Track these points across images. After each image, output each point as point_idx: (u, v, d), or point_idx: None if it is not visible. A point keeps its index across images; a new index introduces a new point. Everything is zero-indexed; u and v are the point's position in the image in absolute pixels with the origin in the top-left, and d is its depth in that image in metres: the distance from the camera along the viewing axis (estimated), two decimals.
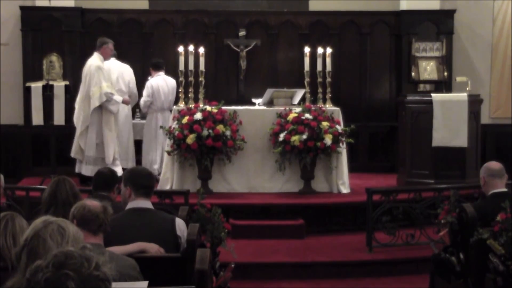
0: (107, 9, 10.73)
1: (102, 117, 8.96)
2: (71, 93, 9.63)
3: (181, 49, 8.84)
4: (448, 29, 10.87)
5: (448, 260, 5.16)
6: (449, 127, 8.53)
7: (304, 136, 8.21)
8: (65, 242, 2.53)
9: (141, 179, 4.48)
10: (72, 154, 9.14)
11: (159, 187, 8.33)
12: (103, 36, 9.37)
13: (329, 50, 8.99)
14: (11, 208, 6.42)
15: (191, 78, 8.71)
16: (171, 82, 9.59)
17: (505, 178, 5.34)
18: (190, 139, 8.15)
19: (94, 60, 9.03)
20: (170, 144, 8.41)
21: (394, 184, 9.07)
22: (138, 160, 9.56)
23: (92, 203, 3.60)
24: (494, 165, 5.36)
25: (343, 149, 8.56)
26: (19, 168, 10.29)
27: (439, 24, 10.85)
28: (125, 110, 9.53)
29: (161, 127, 9.04)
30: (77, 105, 9.10)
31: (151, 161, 9.37)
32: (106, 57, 9.15)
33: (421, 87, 10.80)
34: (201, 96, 8.72)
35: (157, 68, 9.64)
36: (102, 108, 8.92)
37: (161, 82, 9.51)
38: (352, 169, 9.11)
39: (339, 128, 8.46)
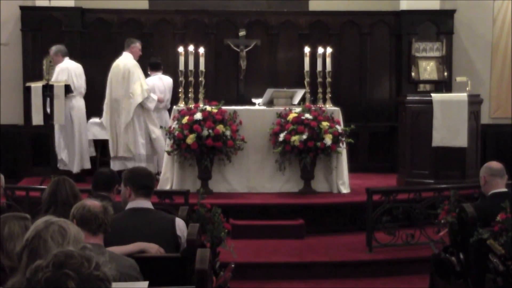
0: (107, 9, 10.73)
1: (143, 114, 9.05)
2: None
3: (181, 49, 8.84)
4: (448, 29, 10.87)
5: (448, 260, 5.16)
6: (449, 127, 8.53)
7: (304, 136, 8.21)
8: (66, 243, 2.53)
9: (141, 179, 4.48)
10: (120, 153, 9.15)
11: (159, 187, 8.33)
12: (131, 37, 9.52)
13: (329, 50, 8.99)
14: (11, 208, 6.42)
15: (191, 78, 8.71)
16: (167, 80, 9.62)
17: (505, 178, 5.33)
18: (190, 139, 8.15)
19: (127, 59, 9.12)
20: (170, 144, 8.40)
21: (394, 184, 9.06)
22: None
23: (92, 203, 3.60)
24: (495, 164, 5.36)
25: (343, 149, 8.56)
26: (19, 168, 10.29)
27: (439, 24, 10.85)
28: (81, 110, 9.45)
29: (160, 127, 9.04)
30: (107, 106, 9.19)
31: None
32: (135, 56, 9.20)
33: (421, 87, 10.80)
34: (201, 96, 8.72)
35: (155, 68, 9.65)
36: (141, 105, 9.04)
37: (157, 81, 9.52)
38: (352, 169, 9.10)
39: (339, 128, 8.46)
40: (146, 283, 3.15)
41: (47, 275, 1.88)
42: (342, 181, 8.58)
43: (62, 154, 9.33)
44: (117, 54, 10.33)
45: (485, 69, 11.01)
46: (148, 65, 9.81)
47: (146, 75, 9.80)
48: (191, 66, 8.75)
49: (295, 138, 8.21)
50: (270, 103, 8.95)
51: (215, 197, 7.89)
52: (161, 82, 9.56)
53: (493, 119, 10.97)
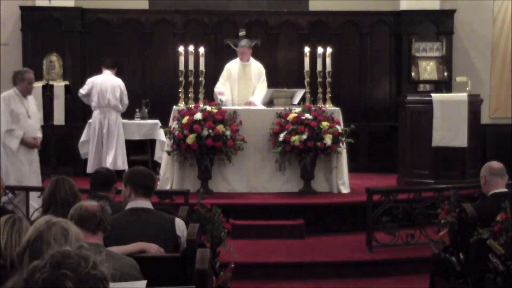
0: (107, 9, 10.74)
1: None
2: (71, 93, 9.62)
3: (181, 49, 8.84)
4: (448, 29, 10.87)
5: (448, 260, 5.15)
6: (449, 127, 8.52)
7: (304, 136, 8.21)
8: (68, 244, 2.52)
9: (141, 179, 4.48)
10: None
11: (159, 187, 8.32)
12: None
13: (329, 50, 8.98)
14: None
15: (191, 78, 8.71)
16: (113, 80, 9.44)
17: (506, 178, 5.33)
18: (190, 139, 8.15)
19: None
20: (170, 144, 8.41)
21: (394, 184, 9.06)
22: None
23: (89, 203, 3.61)
24: (496, 164, 5.35)
25: (343, 149, 8.55)
26: None
27: (439, 24, 10.85)
28: None
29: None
30: None
31: (99, 162, 9.28)
32: (242, 60, 9.44)
33: (421, 87, 10.80)
34: (201, 96, 8.71)
35: (106, 66, 9.52)
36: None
37: (101, 79, 9.41)
38: (352, 169, 9.10)
39: (339, 128, 8.46)
40: (144, 282, 3.14)
41: (44, 275, 1.88)
42: (342, 181, 8.58)
43: None
44: (117, 54, 10.35)
45: (485, 69, 11.01)
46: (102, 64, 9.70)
47: (148, 76, 9.80)
48: (191, 66, 8.74)
49: (295, 138, 8.20)
50: (270, 103, 8.94)
51: (215, 197, 7.88)
52: (106, 81, 9.35)
53: (493, 119, 10.97)
